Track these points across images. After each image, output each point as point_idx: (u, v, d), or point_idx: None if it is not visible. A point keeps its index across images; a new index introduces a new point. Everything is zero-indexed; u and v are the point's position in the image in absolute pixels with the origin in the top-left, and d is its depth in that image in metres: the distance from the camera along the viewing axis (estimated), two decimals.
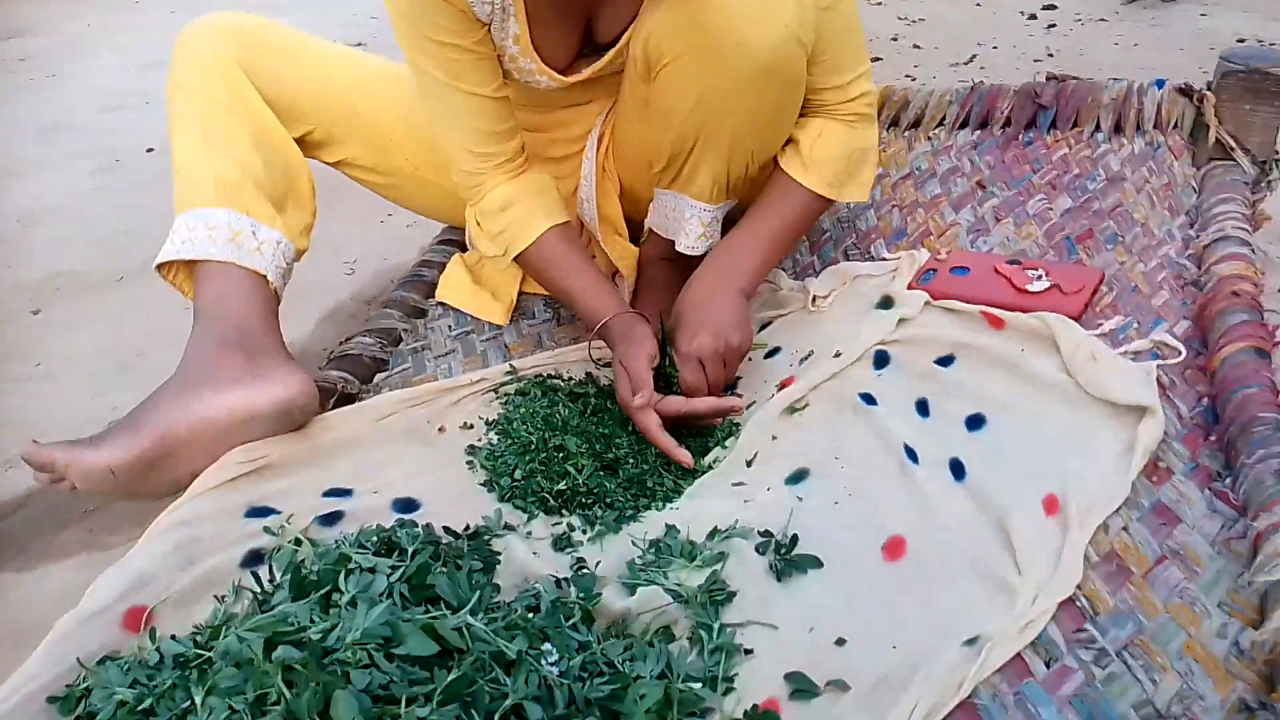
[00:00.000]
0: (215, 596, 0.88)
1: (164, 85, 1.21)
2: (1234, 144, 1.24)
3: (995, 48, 3.25)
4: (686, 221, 1.18)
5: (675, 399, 1.07)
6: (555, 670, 0.72)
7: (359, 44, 3.51)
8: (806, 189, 1.14)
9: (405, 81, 1.30)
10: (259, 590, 0.84)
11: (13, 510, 1.63)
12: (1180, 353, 0.99)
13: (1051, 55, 3.16)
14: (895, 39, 3.35)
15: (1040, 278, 1.11)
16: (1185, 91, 1.31)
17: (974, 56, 3.19)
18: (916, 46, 3.29)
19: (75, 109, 3.18)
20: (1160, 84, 1.33)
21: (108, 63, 3.63)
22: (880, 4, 3.70)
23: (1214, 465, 0.86)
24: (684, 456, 1.04)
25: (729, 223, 1.20)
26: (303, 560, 0.86)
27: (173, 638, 0.81)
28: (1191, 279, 1.09)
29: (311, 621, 0.75)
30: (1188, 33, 3.23)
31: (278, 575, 0.86)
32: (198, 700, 0.70)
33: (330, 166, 1.31)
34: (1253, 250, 1.09)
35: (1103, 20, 3.44)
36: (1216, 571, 0.76)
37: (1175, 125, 1.30)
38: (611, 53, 1.17)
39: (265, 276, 1.12)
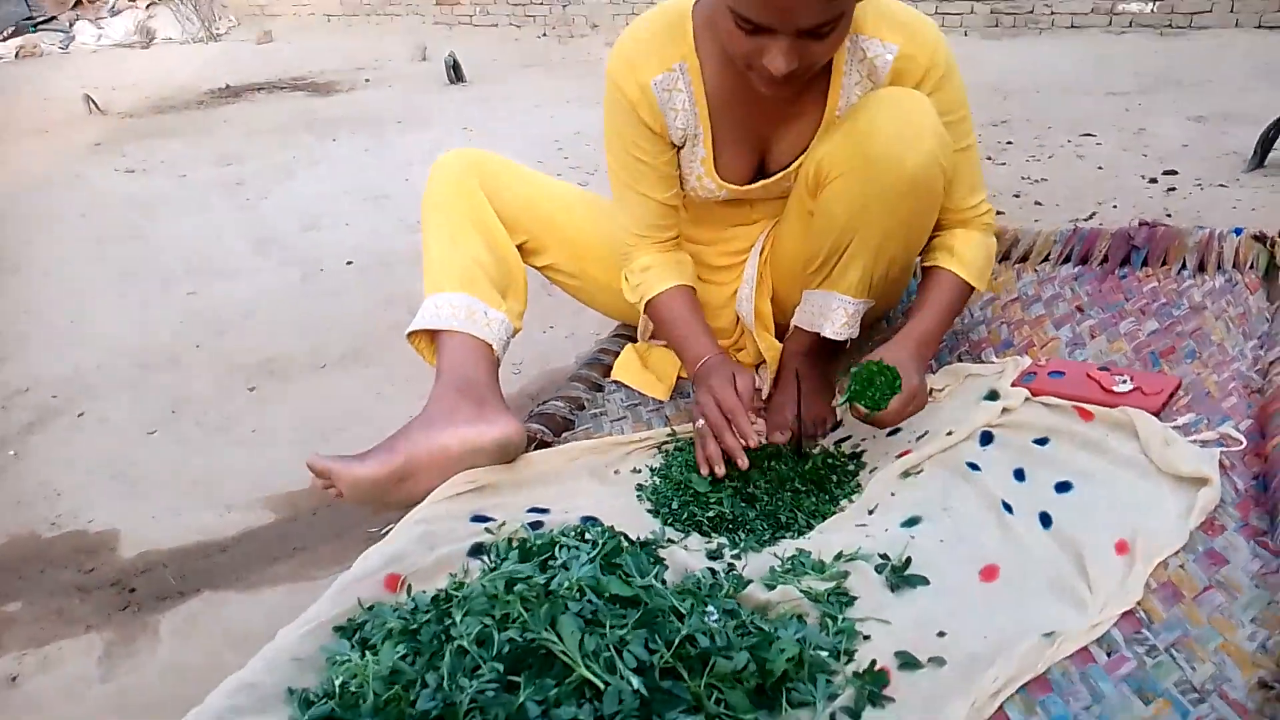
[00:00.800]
0: (450, 574, 1.13)
1: (420, 200, 1.55)
2: None
3: (1115, 207, 3.39)
4: (834, 312, 1.42)
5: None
6: (716, 623, 0.95)
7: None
8: (960, 278, 1.40)
9: (598, 207, 1.63)
10: (489, 561, 1.10)
11: (234, 543, 1.93)
12: (1242, 442, 1.18)
13: (1170, 216, 3.28)
14: (1017, 195, 3.53)
15: (1125, 381, 1.32)
16: (1260, 238, 1.52)
17: (1093, 214, 3.34)
18: (1038, 203, 3.46)
19: (283, 226, 3.66)
20: (1239, 231, 1.55)
21: (310, 189, 4.15)
22: (1005, 164, 3.93)
23: (1261, 524, 1.05)
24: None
25: (865, 330, 1.45)
26: (524, 539, 1.12)
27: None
28: (1257, 388, 1.28)
29: (535, 574, 1.00)
30: None
31: (502, 555, 1.12)
32: (456, 618, 0.95)
33: (538, 270, 1.63)
34: None
35: (1222, 186, 3.55)
36: (1253, 596, 0.95)
37: (1252, 265, 1.52)
38: (781, 175, 1.46)
39: (491, 345, 1.42)
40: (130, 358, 2.69)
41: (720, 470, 1.29)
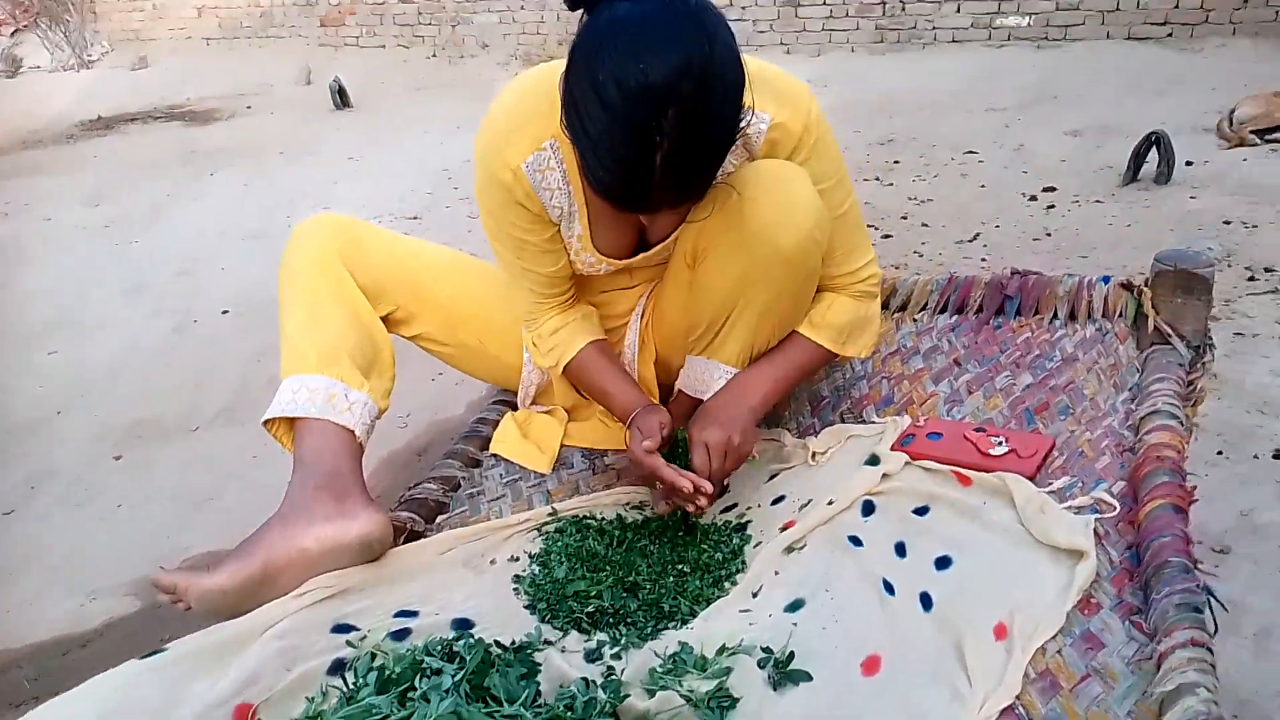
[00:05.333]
0: (307, 698, 1.06)
1: (277, 270, 1.46)
2: (1170, 331, 1.46)
3: (998, 226, 3.49)
4: (715, 381, 1.40)
5: (667, 469, 1.27)
6: None
7: (414, 216, 3.87)
8: (813, 342, 1.40)
9: (471, 271, 1.57)
10: (346, 689, 1.03)
11: (97, 636, 1.80)
12: (1115, 507, 1.19)
13: (1050, 234, 3.38)
14: (904, 217, 3.61)
15: (1001, 444, 1.32)
16: (1127, 286, 1.54)
17: (978, 235, 3.43)
18: (925, 225, 3.54)
19: (156, 272, 3.49)
20: (1106, 279, 1.57)
21: (185, 229, 3.98)
22: (892, 185, 4.00)
23: (1135, 601, 1.05)
24: (684, 484, 1.25)
25: None
26: (382, 664, 1.05)
27: None
28: (1129, 445, 1.29)
29: (392, 711, 0.94)
30: (1177, 213, 3.45)
31: (361, 678, 1.04)
32: None
33: (408, 340, 1.55)
34: (1181, 422, 1.29)
35: (1099, 202, 3.68)
36: (1129, 685, 0.94)
37: (1120, 314, 1.54)
38: (660, 246, 1.43)
39: (353, 431, 1.34)
40: None
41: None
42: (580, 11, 1.11)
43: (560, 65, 1.30)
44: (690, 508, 1.29)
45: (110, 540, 2.04)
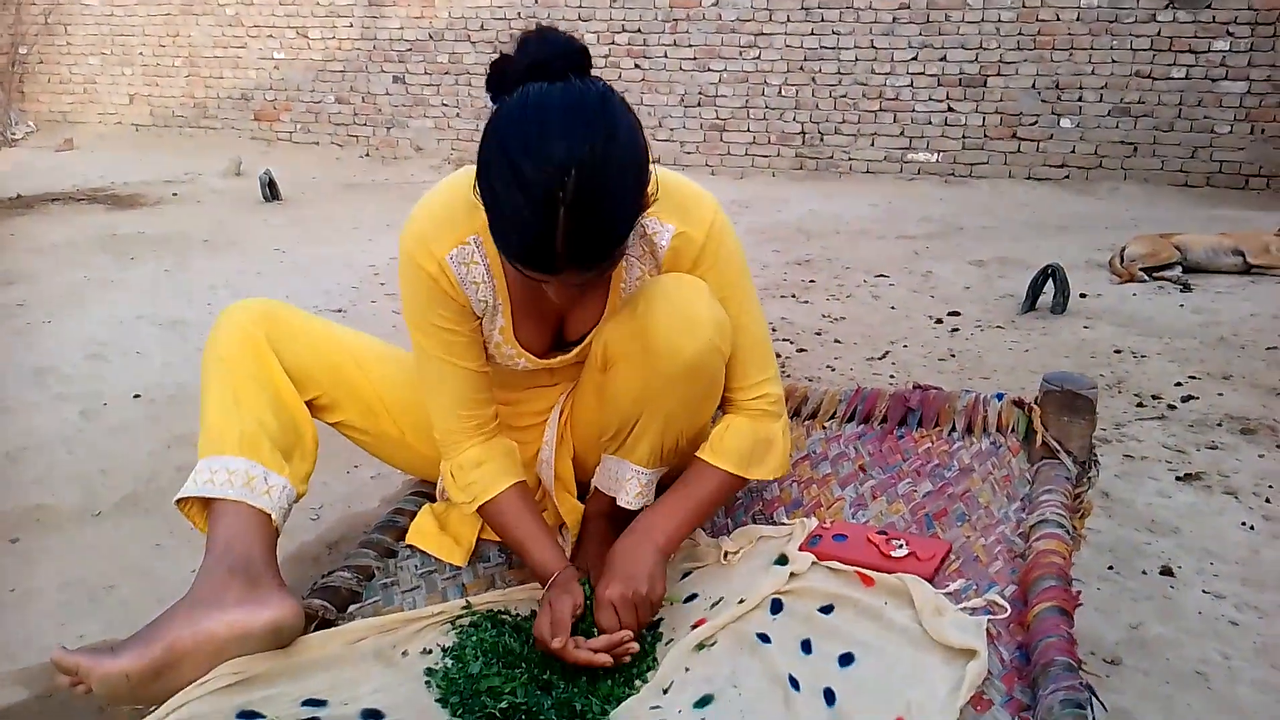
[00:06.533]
0: None
1: (201, 352, 1.47)
2: (1058, 446, 1.56)
3: (906, 346, 3.65)
4: (627, 481, 1.44)
5: (582, 650, 1.26)
6: None
7: (339, 310, 3.88)
8: (717, 468, 1.42)
9: (395, 361, 1.60)
10: None
11: None
12: (1007, 609, 1.25)
13: (954, 355, 3.55)
14: (819, 333, 3.74)
15: (902, 546, 1.39)
16: (1019, 404, 1.65)
17: (887, 353, 3.58)
18: (837, 341, 3.68)
19: (67, 354, 3.41)
20: (1000, 396, 1.68)
21: (101, 313, 3.91)
22: (808, 302, 4.15)
23: (1024, 698, 1.10)
24: (602, 660, 1.25)
25: (661, 490, 1.46)
26: None
27: None
28: (1020, 552, 1.37)
29: None
30: (1072, 342, 3.66)
31: None
32: None
33: (330, 426, 1.56)
34: (1068, 532, 1.37)
35: (999, 328, 3.88)
36: None
37: (1013, 429, 1.64)
38: (578, 349, 1.47)
39: (270, 515, 1.34)
40: None
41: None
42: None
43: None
44: (623, 661, 1.28)
45: (1, 629, 1.95)
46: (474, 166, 1.34)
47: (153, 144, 8.19)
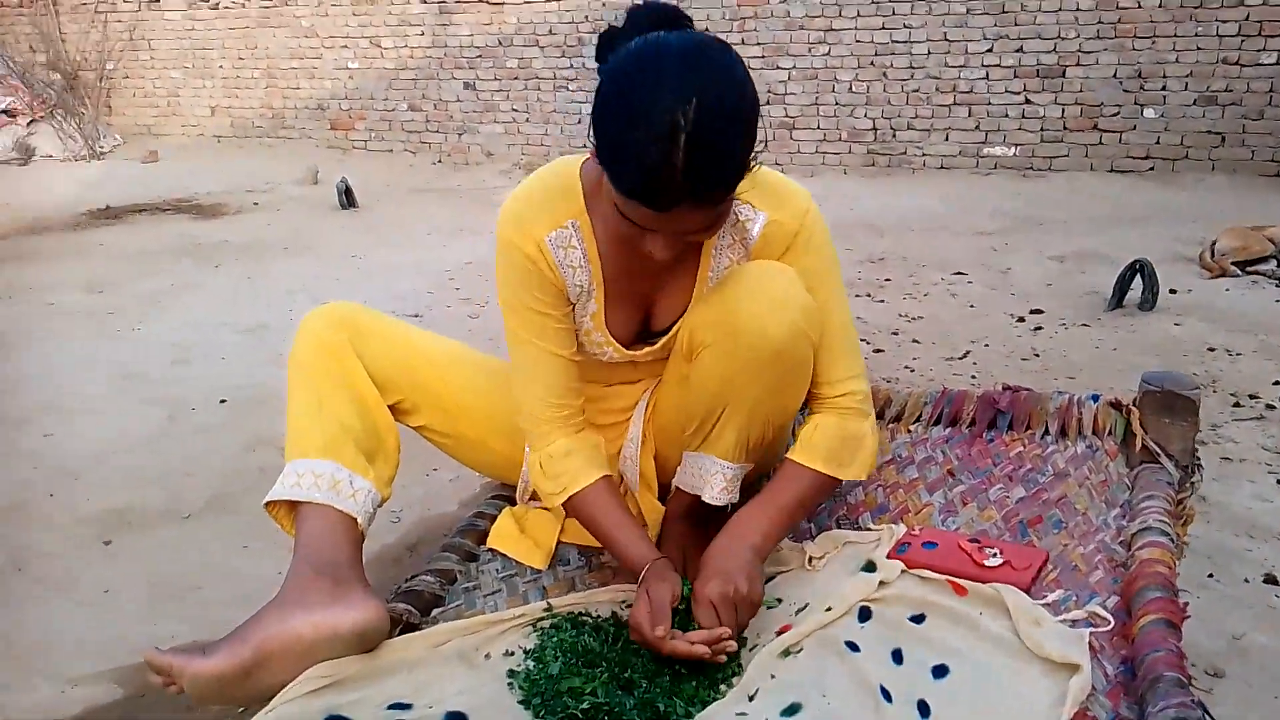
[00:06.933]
0: None
1: (287, 359, 1.48)
2: (1159, 450, 1.50)
3: (987, 345, 3.55)
4: (712, 476, 1.42)
5: (680, 642, 1.24)
6: None
7: (415, 314, 3.92)
8: (807, 468, 1.39)
9: (473, 364, 1.60)
10: None
11: None
12: (1109, 622, 1.20)
13: (1038, 355, 3.45)
14: (895, 333, 3.67)
15: (995, 555, 1.34)
16: (1115, 405, 1.59)
17: (967, 353, 3.49)
18: (915, 341, 3.60)
19: (153, 359, 3.51)
20: (1095, 398, 1.62)
21: (186, 318, 4.01)
22: (884, 301, 4.08)
23: (1131, 715, 1.05)
24: (701, 651, 1.22)
25: (746, 495, 1.43)
26: None
27: None
28: (1121, 561, 1.31)
29: None
30: (1162, 339, 3.52)
31: None
32: None
33: (412, 429, 1.57)
34: (1172, 540, 1.31)
35: (1084, 325, 3.76)
36: None
37: (1110, 432, 1.58)
38: (666, 338, 1.47)
39: (355, 519, 1.35)
40: None
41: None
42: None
43: (576, 159, 1.39)
44: (719, 659, 1.25)
45: (93, 626, 2.00)
46: (567, 158, 1.36)
47: (233, 154, 8.41)
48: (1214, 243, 4.40)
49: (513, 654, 1.31)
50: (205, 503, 2.48)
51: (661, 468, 1.58)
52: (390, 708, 1.19)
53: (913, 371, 3.27)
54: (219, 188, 6.92)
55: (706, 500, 1.43)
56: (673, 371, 1.49)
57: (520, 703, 1.22)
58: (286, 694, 1.18)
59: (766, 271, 1.32)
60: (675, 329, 1.45)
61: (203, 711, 1.65)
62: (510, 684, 1.25)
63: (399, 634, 1.32)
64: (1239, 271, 4.26)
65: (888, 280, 4.38)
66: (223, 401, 3.09)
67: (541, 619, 1.38)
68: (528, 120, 7.76)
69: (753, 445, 1.42)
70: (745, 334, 1.30)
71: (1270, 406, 2.88)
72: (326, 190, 6.46)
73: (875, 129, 6.85)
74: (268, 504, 1.38)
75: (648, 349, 1.49)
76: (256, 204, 6.43)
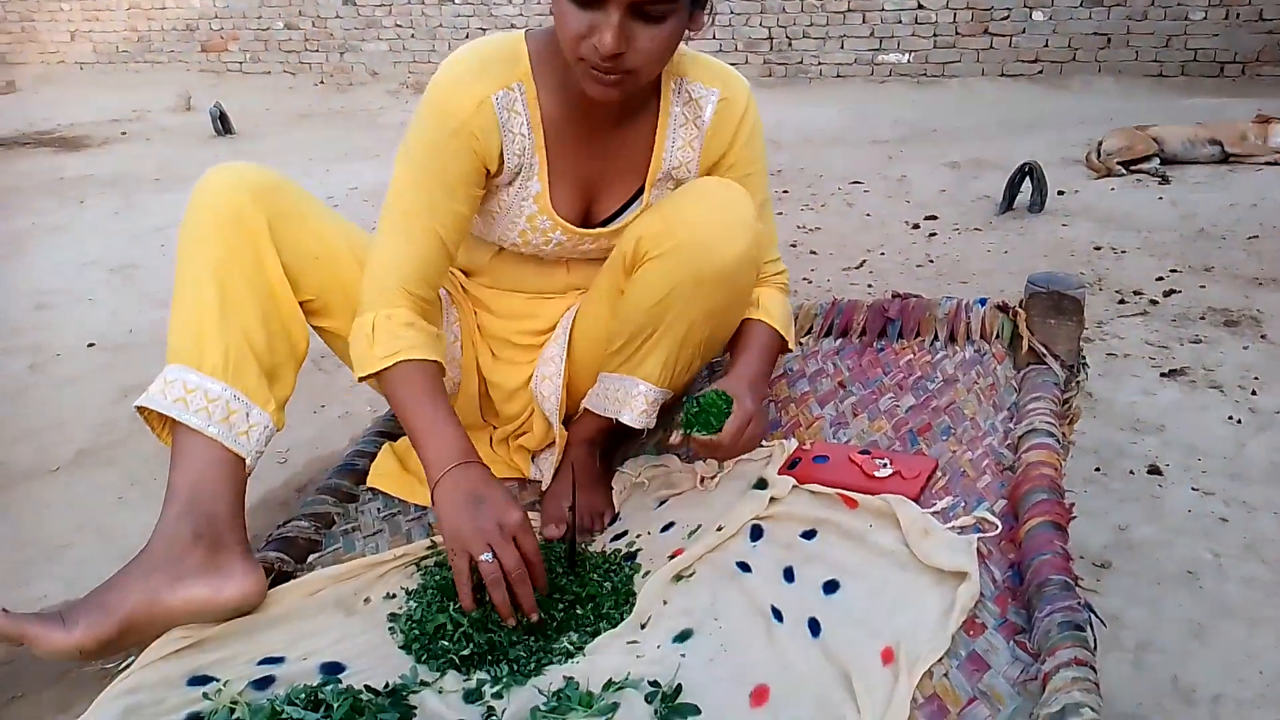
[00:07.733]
0: None
1: (177, 228, 1.26)
2: (1045, 351, 1.49)
3: (883, 254, 3.57)
4: (633, 399, 1.36)
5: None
6: None
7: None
8: (772, 329, 1.40)
9: None
10: None
11: None
12: (997, 526, 1.19)
13: (932, 261, 3.48)
14: (794, 245, 3.66)
15: (885, 465, 1.32)
16: (1002, 308, 1.58)
17: (864, 262, 3.50)
18: (813, 253, 3.60)
19: (13, 305, 3.28)
20: (983, 302, 1.61)
21: (49, 260, 3.76)
22: (781, 214, 4.05)
23: (1019, 621, 1.05)
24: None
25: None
26: (239, 717, 0.97)
27: None
28: (1009, 465, 1.31)
29: None
30: (1051, 241, 3.60)
31: None
32: None
33: (315, 330, 1.39)
34: (1058, 440, 1.31)
35: (977, 230, 3.80)
36: (1015, 709, 0.93)
37: (997, 335, 1.57)
38: (620, 221, 1.39)
39: (244, 460, 1.22)
40: None
41: (510, 621, 1.14)
42: None
43: (518, 31, 1.34)
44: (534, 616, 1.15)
45: None
46: (508, 31, 1.32)
47: (97, 82, 7.87)
48: (1100, 143, 4.48)
49: (394, 596, 1.25)
50: (74, 455, 2.34)
51: (570, 393, 1.48)
52: (261, 663, 1.11)
53: (810, 283, 3.26)
54: (83, 118, 6.48)
55: (625, 422, 1.36)
56: (604, 284, 1.41)
57: (401, 648, 1.16)
58: (146, 657, 1.09)
59: (722, 191, 1.29)
60: (627, 219, 1.38)
61: (77, 677, 1.57)
62: (391, 628, 1.19)
63: (271, 586, 1.24)
64: (1124, 171, 4.35)
65: (785, 192, 4.35)
66: (90, 345, 2.91)
67: (425, 557, 1.32)
68: (413, 36, 7.43)
69: (677, 371, 1.37)
70: (695, 250, 1.25)
71: (1154, 302, 2.95)
72: (200, 117, 6.10)
73: (771, 38, 6.76)
74: (140, 408, 1.21)
75: (599, 230, 1.39)
76: (124, 134, 6.04)
